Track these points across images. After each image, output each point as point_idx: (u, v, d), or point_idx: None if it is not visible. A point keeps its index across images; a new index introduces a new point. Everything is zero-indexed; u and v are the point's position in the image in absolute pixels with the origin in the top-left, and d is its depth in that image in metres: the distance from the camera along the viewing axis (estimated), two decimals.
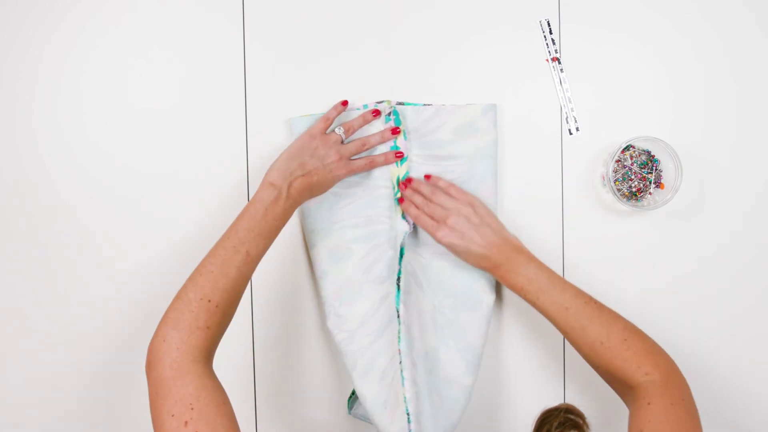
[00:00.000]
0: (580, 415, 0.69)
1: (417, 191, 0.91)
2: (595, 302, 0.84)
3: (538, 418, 0.70)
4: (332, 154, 0.87)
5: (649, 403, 0.75)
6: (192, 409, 0.68)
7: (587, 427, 0.69)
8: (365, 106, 0.92)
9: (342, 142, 0.89)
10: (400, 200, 0.92)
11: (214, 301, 0.75)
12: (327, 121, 0.89)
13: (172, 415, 0.68)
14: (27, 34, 0.91)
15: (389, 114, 0.91)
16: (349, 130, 0.90)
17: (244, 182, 0.93)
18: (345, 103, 0.91)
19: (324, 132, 0.88)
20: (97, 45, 0.92)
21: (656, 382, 0.77)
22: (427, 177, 0.92)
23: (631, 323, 0.83)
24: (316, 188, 0.86)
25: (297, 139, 0.88)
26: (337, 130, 0.89)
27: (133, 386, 0.93)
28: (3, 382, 0.92)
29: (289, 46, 0.93)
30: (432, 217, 0.88)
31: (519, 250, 0.87)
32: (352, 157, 0.90)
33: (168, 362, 0.71)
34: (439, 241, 0.88)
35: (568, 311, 0.83)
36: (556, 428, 0.69)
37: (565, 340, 0.88)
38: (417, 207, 0.90)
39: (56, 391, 0.93)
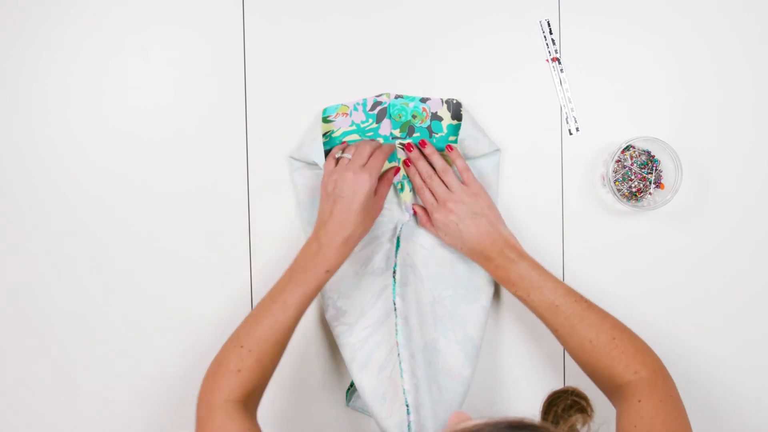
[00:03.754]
0: (585, 399, 0.70)
1: (428, 161, 0.90)
2: (585, 301, 0.84)
3: (546, 400, 0.70)
4: (350, 187, 0.82)
5: (639, 400, 0.75)
6: None
7: (591, 410, 0.69)
8: (364, 101, 0.92)
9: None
10: (406, 162, 0.91)
11: (246, 346, 0.79)
12: (332, 158, 0.87)
13: None
14: (27, 35, 0.91)
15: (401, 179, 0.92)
16: (349, 149, 0.86)
17: (244, 182, 0.93)
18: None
19: (334, 167, 0.85)
20: (97, 45, 0.91)
21: (645, 380, 0.78)
22: (422, 143, 0.91)
23: (619, 322, 0.83)
24: (363, 229, 0.84)
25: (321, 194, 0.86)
26: (342, 154, 0.86)
27: (132, 385, 0.93)
28: (3, 382, 0.92)
29: (289, 47, 0.93)
30: (434, 194, 0.88)
31: (512, 246, 0.87)
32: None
33: (202, 403, 0.77)
34: (433, 222, 0.88)
35: (558, 309, 0.83)
36: (563, 411, 0.69)
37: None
38: (422, 179, 0.89)
39: (56, 392, 0.93)
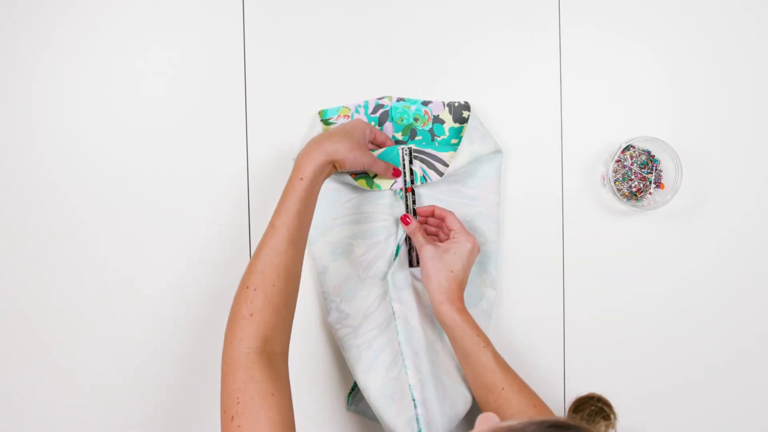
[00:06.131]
0: (609, 405, 0.69)
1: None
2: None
3: (571, 406, 0.70)
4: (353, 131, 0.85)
5: None
6: (238, 403, 0.69)
7: (615, 417, 0.69)
8: (366, 103, 0.92)
9: None
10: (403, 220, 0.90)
11: (252, 285, 0.76)
12: None
13: (224, 411, 0.69)
14: (27, 35, 0.91)
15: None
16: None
17: (244, 181, 0.93)
18: None
19: None
20: (97, 45, 0.92)
21: None
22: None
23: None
24: (344, 149, 0.83)
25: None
26: None
27: (132, 385, 0.93)
28: (3, 382, 0.92)
29: (289, 47, 0.93)
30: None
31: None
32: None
33: (224, 359, 0.73)
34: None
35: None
36: (588, 416, 0.69)
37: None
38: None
39: (56, 392, 0.93)
